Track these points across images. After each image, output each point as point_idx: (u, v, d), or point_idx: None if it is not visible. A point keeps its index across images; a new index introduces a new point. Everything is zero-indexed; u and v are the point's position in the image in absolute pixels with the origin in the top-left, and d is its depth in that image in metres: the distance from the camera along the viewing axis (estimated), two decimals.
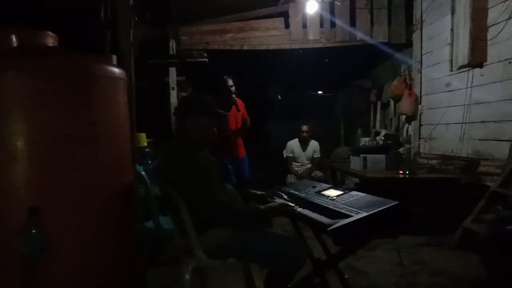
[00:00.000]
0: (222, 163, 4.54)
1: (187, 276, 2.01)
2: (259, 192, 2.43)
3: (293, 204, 2.24)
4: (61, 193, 1.89)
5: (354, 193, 2.31)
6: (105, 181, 2.03)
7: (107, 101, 2.07)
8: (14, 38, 1.93)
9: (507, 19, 3.84)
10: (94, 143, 1.99)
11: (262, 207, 2.20)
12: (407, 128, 6.13)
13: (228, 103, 4.52)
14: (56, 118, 1.87)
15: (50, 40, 2.15)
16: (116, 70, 2.15)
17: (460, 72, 4.62)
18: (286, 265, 2.06)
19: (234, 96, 4.56)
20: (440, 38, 5.09)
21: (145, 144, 4.70)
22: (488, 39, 4.14)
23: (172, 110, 5.46)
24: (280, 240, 2.13)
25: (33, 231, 1.64)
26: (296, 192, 2.59)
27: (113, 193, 2.07)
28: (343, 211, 2.04)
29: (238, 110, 4.55)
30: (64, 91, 1.90)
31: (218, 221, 2.03)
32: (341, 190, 2.42)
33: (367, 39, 5.83)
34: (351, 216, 1.95)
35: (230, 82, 4.58)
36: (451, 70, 4.80)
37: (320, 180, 5.46)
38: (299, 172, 5.94)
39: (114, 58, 2.29)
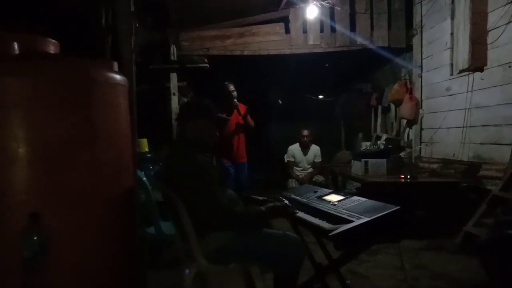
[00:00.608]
0: (223, 167, 4.60)
1: (187, 271, 2.01)
2: (260, 198, 2.43)
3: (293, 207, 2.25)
4: (62, 196, 1.89)
5: (355, 198, 2.31)
6: (105, 184, 2.04)
7: (108, 107, 2.08)
8: (16, 44, 1.94)
9: (506, 23, 3.85)
10: (94, 148, 2.00)
11: (263, 208, 2.20)
12: (408, 132, 6.13)
13: (230, 108, 4.58)
14: (57, 122, 1.88)
15: (52, 46, 2.16)
16: (117, 76, 2.17)
17: (460, 76, 4.63)
18: (288, 265, 2.06)
19: (235, 100, 4.62)
20: (440, 42, 5.11)
21: (146, 149, 4.71)
22: (488, 43, 4.15)
23: (173, 116, 5.48)
24: (280, 240, 2.12)
25: (33, 235, 1.64)
26: (298, 197, 2.59)
27: (113, 197, 2.07)
28: (344, 216, 2.04)
29: (240, 114, 4.59)
30: (65, 96, 1.91)
31: (219, 222, 2.03)
32: (342, 195, 2.42)
33: (367, 43, 5.85)
34: (352, 221, 1.95)
35: (232, 87, 4.64)
36: (452, 74, 4.81)
37: (321, 184, 5.46)
38: (300, 176, 5.94)
39: (115, 64, 2.30)
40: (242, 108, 4.73)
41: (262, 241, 2.08)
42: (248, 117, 4.72)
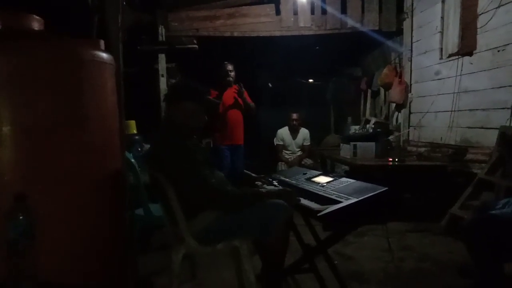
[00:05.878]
0: (218, 149, 4.60)
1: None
2: (254, 175, 2.44)
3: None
4: (48, 177, 1.86)
5: (344, 179, 2.32)
6: (93, 166, 2.01)
7: (94, 87, 2.04)
8: None
9: (496, 8, 3.85)
10: (81, 128, 1.96)
11: (263, 190, 2.20)
12: (397, 116, 6.16)
13: (224, 87, 4.62)
14: (42, 102, 1.84)
15: (36, 23, 2.10)
16: (103, 55, 2.12)
17: (449, 60, 4.65)
18: (275, 230, 2.05)
19: (230, 79, 4.64)
20: (431, 26, 5.10)
21: (135, 131, 4.66)
22: (477, 27, 4.15)
23: (162, 97, 5.43)
24: (264, 208, 2.07)
25: (20, 217, 1.62)
26: (287, 179, 2.60)
27: (101, 178, 2.05)
28: (333, 197, 2.05)
29: (236, 91, 4.63)
30: (49, 75, 1.86)
31: (208, 203, 2.04)
32: (331, 177, 2.43)
33: (358, 26, 5.81)
34: (340, 202, 1.96)
35: (230, 67, 4.67)
36: (441, 58, 4.82)
37: (310, 167, 5.48)
38: (289, 160, 5.96)
39: (102, 43, 2.25)
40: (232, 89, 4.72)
41: (247, 214, 2.06)
42: (247, 95, 4.72)
